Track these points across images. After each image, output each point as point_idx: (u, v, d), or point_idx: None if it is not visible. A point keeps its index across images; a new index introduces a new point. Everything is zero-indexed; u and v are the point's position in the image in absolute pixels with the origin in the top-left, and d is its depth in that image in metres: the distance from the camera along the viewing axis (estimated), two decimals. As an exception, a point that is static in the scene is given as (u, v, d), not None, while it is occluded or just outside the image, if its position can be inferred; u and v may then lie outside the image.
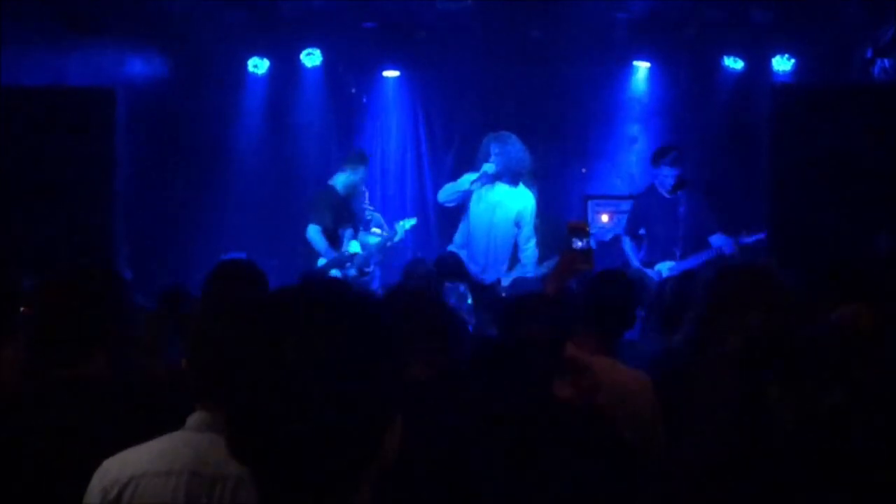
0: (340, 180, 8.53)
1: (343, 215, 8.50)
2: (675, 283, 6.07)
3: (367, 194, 9.03)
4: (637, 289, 4.72)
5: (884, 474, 2.90)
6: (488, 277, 7.89)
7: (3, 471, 2.55)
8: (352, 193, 8.59)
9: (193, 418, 2.32)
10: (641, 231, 8.17)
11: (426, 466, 2.69)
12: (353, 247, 8.45)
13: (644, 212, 8.21)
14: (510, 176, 7.94)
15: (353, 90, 10.52)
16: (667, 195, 8.01)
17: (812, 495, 2.87)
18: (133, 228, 8.70)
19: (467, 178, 8.11)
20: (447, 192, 8.23)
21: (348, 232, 8.49)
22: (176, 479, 2.20)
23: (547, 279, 4.14)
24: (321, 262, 8.32)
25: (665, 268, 7.82)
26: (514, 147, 7.93)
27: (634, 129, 10.11)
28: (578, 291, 4.25)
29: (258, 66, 10.12)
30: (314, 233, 8.35)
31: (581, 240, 4.14)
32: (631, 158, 10.06)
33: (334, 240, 8.43)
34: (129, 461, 2.25)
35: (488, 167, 7.90)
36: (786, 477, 2.90)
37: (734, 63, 9.82)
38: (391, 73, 10.39)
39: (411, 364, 3.45)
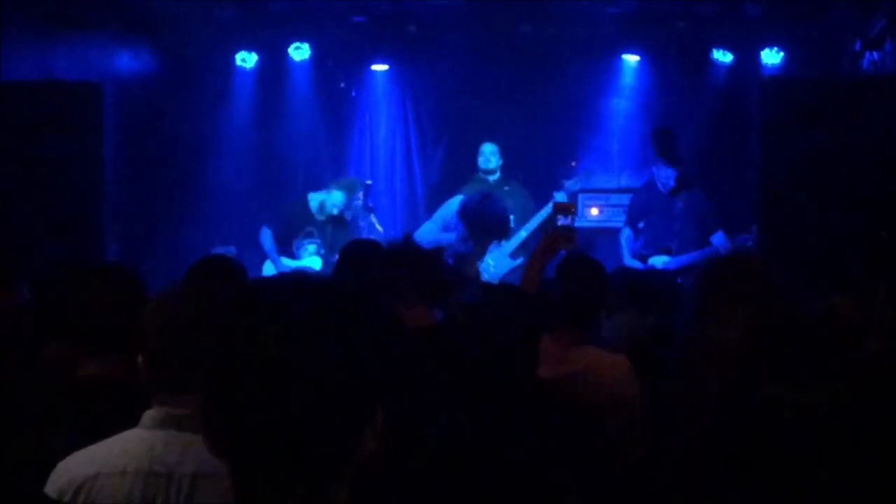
0: (315, 197, 8.59)
1: (299, 227, 8.52)
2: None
3: (373, 215, 8.97)
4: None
5: (878, 465, 2.91)
6: None
7: (22, 466, 2.56)
8: (325, 213, 8.58)
9: (149, 415, 2.26)
10: (640, 224, 8.21)
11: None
12: (313, 262, 8.45)
13: (641, 207, 8.26)
14: (487, 239, 7.84)
15: (343, 84, 10.50)
16: (667, 189, 8.06)
17: (809, 486, 2.88)
18: (121, 223, 8.67)
19: (446, 211, 8.08)
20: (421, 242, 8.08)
21: (312, 246, 8.50)
22: (131, 479, 2.15)
23: (529, 259, 4.13)
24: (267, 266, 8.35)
25: (659, 262, 7.83)
26: (488, 214, 7.63)
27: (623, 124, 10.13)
28: (549, 284, 4.23)
29: (246, 60, 10.09)
30: (263, 235, 8.45)
31: (565, 218, 4.14)
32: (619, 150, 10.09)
33: (287, 247, 8.51)
34: (83, 462, 2.21)
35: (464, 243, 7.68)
36: (781, 468, 2.90)
37: (723, 56, 9.81)
38: (380, 67, 10.35)
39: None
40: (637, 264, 7.85)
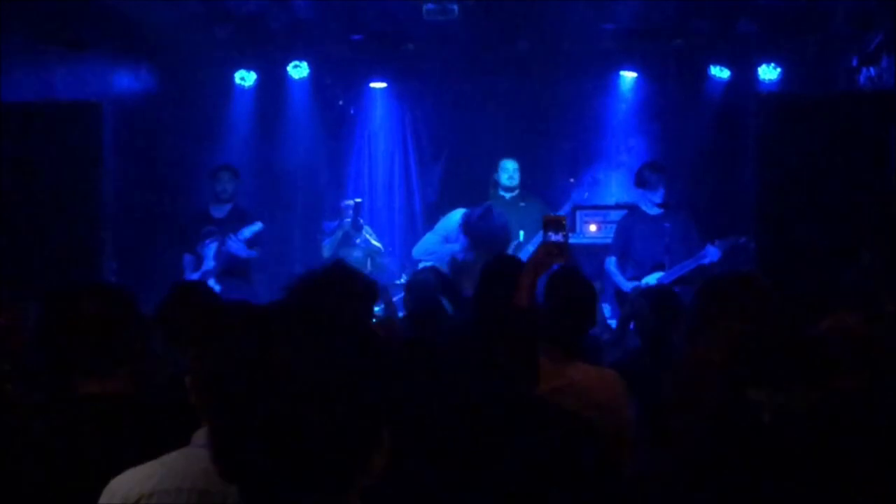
0: None
1: (197, 230, 8.69)
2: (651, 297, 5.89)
3: (367, 231, 8.98)
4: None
5: (860, 472, 2.92)
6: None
7: (30, 486, 2.57)
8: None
9: (200, 434, 2.28)
10: (630, 249, 8.21)
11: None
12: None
13: (628, 232, 8.24)
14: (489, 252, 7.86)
15: (341, 102, 10.54)
16: (654, 210, 8.07)
17: (790, 491, 2.89)
18: (120, 242, 8.68)
19: (448, 223, 8.08)
20: (423, 252, 8.13)
21: (216, 244, 8.58)
22: (186, 497, 2.17)
23: (521, 274, 4.12)
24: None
25: (653, 279, 7.82)
26: (490, 228, 7.56)
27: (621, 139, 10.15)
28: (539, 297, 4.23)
29: (245, 78, 10.12)
30: (185, 263, 8.70)
31: (556, 233, 4.13)
32: (617, 167, 10.10)
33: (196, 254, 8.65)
34: (138, 480, 2.21)
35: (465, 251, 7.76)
36: (765, 473, 2.92)
37: (720, 72, 9.84)
38: (378, 85, 10.39)
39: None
40: (629, 287, 7.88)
